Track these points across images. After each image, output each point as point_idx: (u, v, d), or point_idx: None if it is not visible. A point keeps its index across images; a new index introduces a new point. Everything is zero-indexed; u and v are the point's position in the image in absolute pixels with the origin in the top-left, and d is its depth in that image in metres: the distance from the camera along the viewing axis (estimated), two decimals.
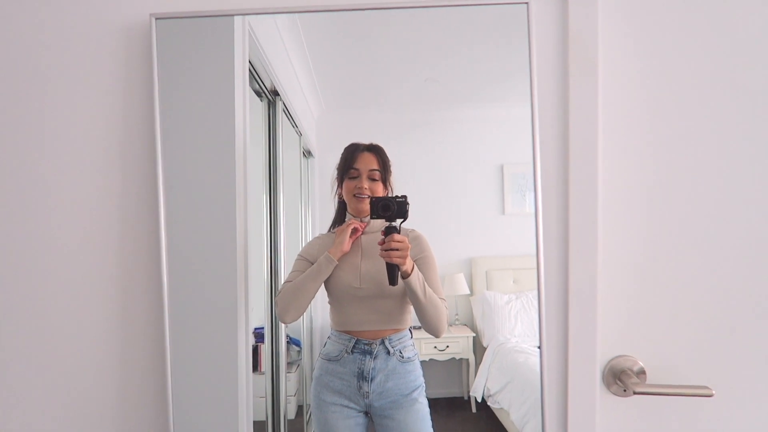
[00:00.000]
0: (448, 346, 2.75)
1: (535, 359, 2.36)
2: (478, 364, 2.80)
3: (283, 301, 1.22)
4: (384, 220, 1.15)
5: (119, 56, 0.98)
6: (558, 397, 0.85)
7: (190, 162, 1.00)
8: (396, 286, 1.15)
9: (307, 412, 2.44)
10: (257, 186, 1.76)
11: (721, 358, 0.85)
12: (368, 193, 1.23)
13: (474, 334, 2.79)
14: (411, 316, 1.25)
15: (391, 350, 1.20)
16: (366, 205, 1.23)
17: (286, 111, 1.90)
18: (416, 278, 1.15)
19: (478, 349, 2.83)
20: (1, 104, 0.96)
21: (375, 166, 1.25)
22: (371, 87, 2.73)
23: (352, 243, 1.23)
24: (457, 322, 2.93)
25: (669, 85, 0.88)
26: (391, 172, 1.28)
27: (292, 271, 1.26)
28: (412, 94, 2.79)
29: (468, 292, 2.85)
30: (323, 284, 1.22)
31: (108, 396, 0.99)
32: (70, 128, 0.97)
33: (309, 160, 2.65)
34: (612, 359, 0.84)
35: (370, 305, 1.21)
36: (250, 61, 1.26)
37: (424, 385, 1.25)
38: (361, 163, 1.25)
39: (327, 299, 1.26)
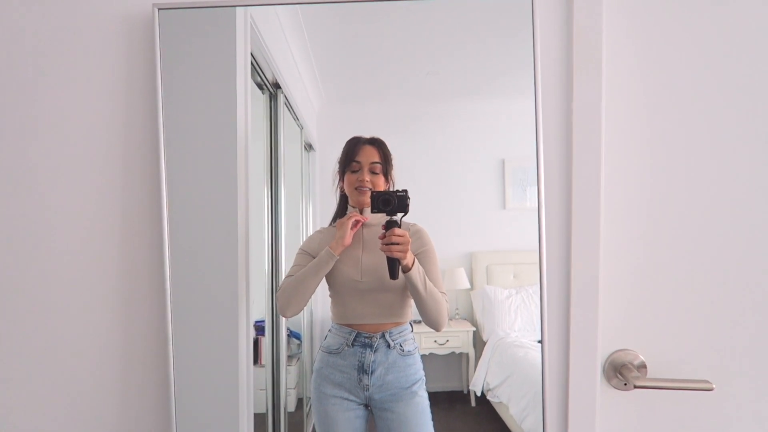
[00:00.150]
0: (448, 341, 2.76)
1: (535, 354, 2.37)
2: (477, 358, 2.80)
3: (284, 295, 1.22)
4: (385, 214, 1.14)
5: (122, 46, 0.97)
6: (558, 390, 0.85)
7: (192, 154, 1.00)
8: (397, 280, 1.15)
9: (307, 405, 2.45)
10: (258, 179, 1.76)
11: (721, 352, 0.86)
12: (369, 186, 1.23)
13: (474, 329, 2.80)
14: (411, 310, 1.25)
15: (392, 343, 1.21)
16: (367, 198, 1.23)
17: (288, 104, 1.89)
18: (417, 272, 1.15)
19: (478, 343, 2.84)
20: (1, 94, 0.96)
21: (376, 159, 1.25)
22: (373, 80, 2.72)
23: (354, 236, 1.23)
24: (457, 317, 2.93)
25: (672, 81, 0.87)
26: (392, 165, 1.28)
27: (293, 266, 1.26)
28: (414, 87, 2.78)
29: (468, 286, 2.85)
30: (324, 277, 1.22)
31: (110, 388, 0.99)
32: (71, 120, 0.97)
33: (310, 153, 2.65)
34: (613, 353, 0.84)
35: (370, 298, 1.21)
36: (252, 54, 1.26)
37: (424, 378, 1.25)
38: (362, 155, 1.25)
39: (328, 292, 1.26)
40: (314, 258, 1.24)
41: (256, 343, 1.86)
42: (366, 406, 1.23)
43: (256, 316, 1.85)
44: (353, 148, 1.26)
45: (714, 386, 0.77)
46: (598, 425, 0.82)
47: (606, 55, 0.85)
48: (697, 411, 0.86)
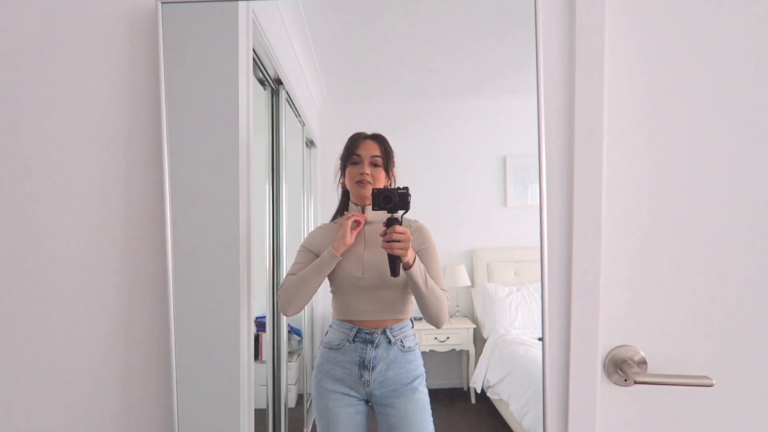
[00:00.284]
0: (448, 338, 2.76)
1: (535, 351, 2.38)
2: (478, 355, 2.81)
3: (286, 295, 1.22)
4: (386, 211, 1.14)
5: (125, 41, 0.97)
6: (559, 386, 0.85)
7: (194, 150, 1.00)
8: (398, 277, 1.15)
9: (307, 401, 2.46)
10: (260, 175, 1.76)
11: (722, 348, 0.86)
12: (370, 179, 1.23)
13: (474, 326, 2.80)
14: (413, 306, 1.25)
15: (393, 339, 1.21)
16: (368, 192, 1.23)
17: (290, 100, 1.89)
18: (418, 269, 1.15)
19: (479, 340, 2.85)
20: (3, 89, 0.96)
21: (377, 152, 1.25)
22: (374, 77, 2.72)
23: (357, 232, 1.23)
24: (457, 314, 2.94)
25: (674, 79, 0.87)
26: (394, 162, 1.28)
27: (294, 263, 1.27)
28: (415, 84, 2.78)
29: (469, 283, 2.86)
30: None
31: (112, 383, 0.99)
32: (73, 115, 0.97)
33: (311, 150, 2.65)
34: (613, 349, 0.84)
35: (372, 295, 1.21)
36: (254, 49, 1.26)
37: (424, 374, 1.25)
38: (363, 149, 1.25)
39: (329, 288, 1.26)
40: (315, 255, 1.24)
41: (257, 339, 1.86)
42: (366, 401, 1.24)
43: (257, 312, 1.85)
44: (355, 142, 1.26)
45: (714, 382, 0.77)
46: (599, 421, 0.83)
47: (608, 53, 0.85)
48: (697, 407, 0.86)
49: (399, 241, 1.11)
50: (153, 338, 0.99)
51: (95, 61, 0.97)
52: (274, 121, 1.77)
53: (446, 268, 2.80)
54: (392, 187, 1.26)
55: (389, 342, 1.21)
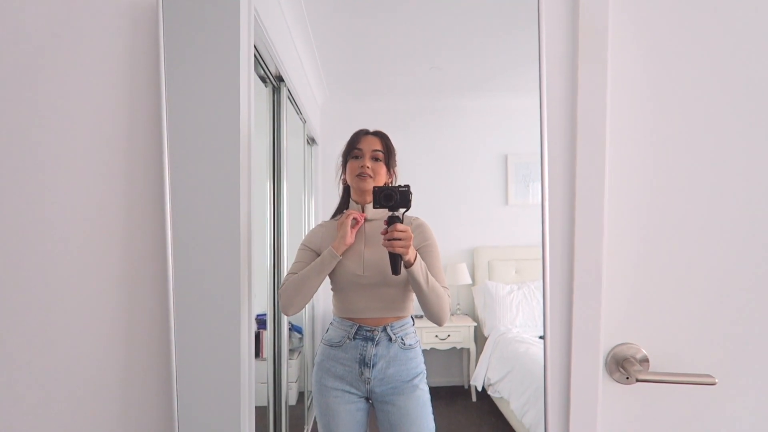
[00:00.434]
0: (449, 335, 2.78)
1: (536, 349, 2.39)
2: (479, 353, 2.82)
3: (287, 294, 1.22)
4: (387, 209, 1.14)
5: (125, 37, 0.97)
6: (560, 384, 0.85)
7: (195, 147, 1.00)
8: (399, 275, 1.15)
9: (308, 399, 2.47)
10: (261, 172, 1.76)
11: (724, 346, 0.86)
12: (370, 173, 1.23)
13: (475, 324, 2.81)
14: (413, 304, 1.25)
15: (393, 337, 1.21)
16: (369, 185, 1.22)
17: (291, 97, 1.90)
18: (419, 267, 1.15)
19: (479, 338, 2.86)
20: (1, 85, 0.96)
21: (378, 147, 1.25)
22: (376, 75, 2.72)
23: (356, 231, 1.22)
24: (458, 312, 2.95)
25: (678, 76, 0.87)
26: (395, 160, 1.28)
27: (295, 262, 1.26)
28: (417, 83, 2.78)
29: (470, 281, 2.87)
30: None
31: (112, 381, 0.99)
32: (73, 111, 0.96)
33: (313, 147, 2.65)
34: (615, 347, 0.84)
35: (373, 293, 1.21)
36: (255, 46, 1.25)
37: (425, 372, 1.25)
38: (364, 143, 1.25)
39: (329, 286, 1.26)
40: (316, 253, 1.24)
41: (258, 337, 1.87)
42: (367, 399, 1.24)
43: (257, 309, 1.86)
44: (356, 137, 1.26)
45: (717, 380, 0.77)
46: (600, 419, 0.83)
47: (611, 51, 0.85)
48: (699, 405, 0.86)
49: (400, 240, 1.10)
50: (153, 336, 0.99)
51: (95, 56, 0.97)
52: (276, 118, 1.77)
53: (447, 266, 2.81)
54: (393, 185, 1.25)
55: (390, 339, 1.21)
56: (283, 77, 1.72)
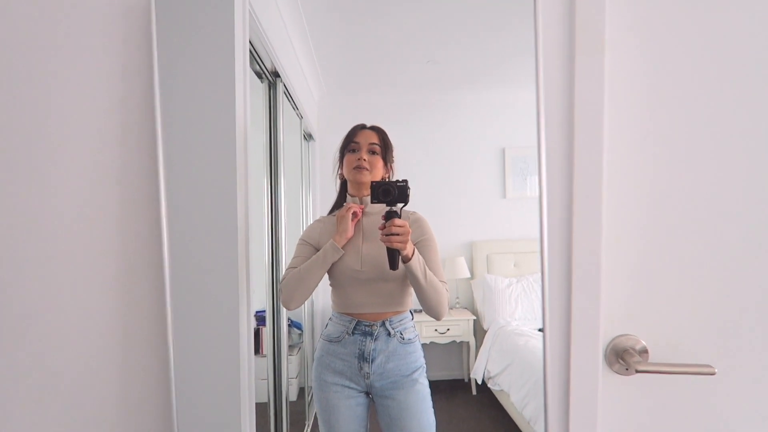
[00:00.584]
0: (448, 329, 2.80)
1: (535, 342, 2.40)
2: (478, 346, 2.84)
3: (288, 289, 1.21)
4: (385, 204, 1.14)
5: (117, 34, 0.96)
6: (560, 376, 0.85)
7: (191, 144, 0.99)
8: (397, 270, 1.14)
9: (308, 394, 2.48)
10: (258, 168, 1.76)
11: (724, 336, 0.86)
12: (367, 165, 1.22)
13: (474, 317, 2.84)
14: (412, 299, 1.25)
15: (392, 332, 1.21)
16: (365, 178, 1.22)
17: (287, 93, 1.89)
18: (417, 262, 1.14)
19: (479, 332, 2.88)
20: None
21: (375, 140, 1.24)
22: (373, 69, 2.72)
23: (354, 226, 1.22)
24: (457, 306, 2.97)
25: (676, 68, 0.87)
26: (393, 155, 1.27)
27: (294, 257, 1.26)
28: (414, 77, 2.79)
29: (469, 275, 2.89)
30: None
31: (110, 377, 0.99)
32: (66, 108, 0.96)
33: (310, 143, 2.65)
34: (614, 338, 0.84)
35: (371, 288, 1.21)
36: (250, 41, 1.25)
37: (425, 366, 1.25)
38: (361, 137, 1.24)
39: (328, 282, 1.26)
40: (315, 248, 1.24)
41: (258, 333, 1.87)
42: (367, 393, 1.24)
43: (257, 306, 1.86)
44: (353, 131, 1.26)
45: (716, 370, 0.77)
46: (600, 410, 0.83)
47: (609, 43, 0.85)
48: (699, 395, 0.86)
49: (398, 235, 1.10)
50: (151, 334, 0.99)
51: (87, 53, 0.96)
52: (272, 114, 1.77)
53: (446, 260, 2.83)
54: (391, 180, 1.25)
55: (388, 334, 1.21)
56: (279, 73, 1.72)
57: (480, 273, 2.94)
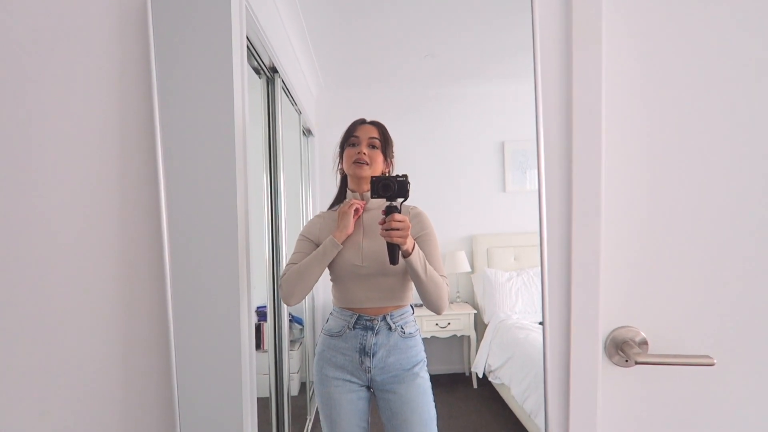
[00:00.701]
0: (449, 323, 2.80)
1: (536, 335, 2.40)
2: (479, 340, 2.84)
3: (288, 284, 1.22)
4: (385, 199, 1.14)
5: (114, 31, 0.96)
6: (560, 369, 0.85)
7: (190, 141, 0.99)
8: (397, 264, 1.14)
9: (309, 389, 2.49)
10: (257, 165, 1.76)
11: (722, 328, 0.86)
12: (367, 159, 1.22)
13: (475, 311, 2.83)
14: (412, 293, 1.25)
15: (393, 326, 1.21)
16: (365, 173, 1.23)
17: (285, 89, 1.89)
18: (417, 257, 1.15)
19: (479, 325, 2.88)
20: None
21: (375, 134, 1.24)
22: (371, 64, 2.71)
23: (355, 221, 1.22)
24: (458, 300, 2.97)
25: (673, 61, 0.87)
26: (392, 150, 1.27)
27: (294, 252, 1.26)
28: (413, 71, 2.78)
29: (469, 269, 2.89)
30: None
31: (112, 374, 1.00)
32: (63, 106, 0.96)
33: (309, 138, 2.65)
34: (614, 330, 0.84)
35: (372, 283, 1.21)
36: (248, 37, 1.24)
37: (425, 360, 1.25)
38: (361, 132, 1.25)
39: (329, 276, 1.26)
40: (315, 243, 1.24)
41: (259, 329, 1.88)
42: (368, 387, 1.24)
43: (257, 301, 1.86)
44: (354, 126, 1.26)
45: (715, 361, 0.77)
46: (600, 402, 0.83)
47: (606, 36, 0.85)
48: (698, 386, 0.87)
49: (398, 229, 1.10)
50: (153, 329, 0.99)
51: (84, 51, 0.96)
52: (270, 110, 1.77)
53: (446, 254, 2.82)
54: (391, 175, 1.25)
55: (389, 328, 1.21)
56: (277, 68, 1.71)
57: (480, 267, 2.94)
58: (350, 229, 1.18)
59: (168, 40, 0.94)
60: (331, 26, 2.21)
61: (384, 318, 1.19)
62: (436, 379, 1.26)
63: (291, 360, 1.99)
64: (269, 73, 1.70)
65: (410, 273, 1.14)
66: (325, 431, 1.23)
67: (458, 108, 3.15)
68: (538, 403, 2.08)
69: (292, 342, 2.12)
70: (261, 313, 1.79)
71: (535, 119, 0.86)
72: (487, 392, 2.72)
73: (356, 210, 1.20)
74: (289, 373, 1.88)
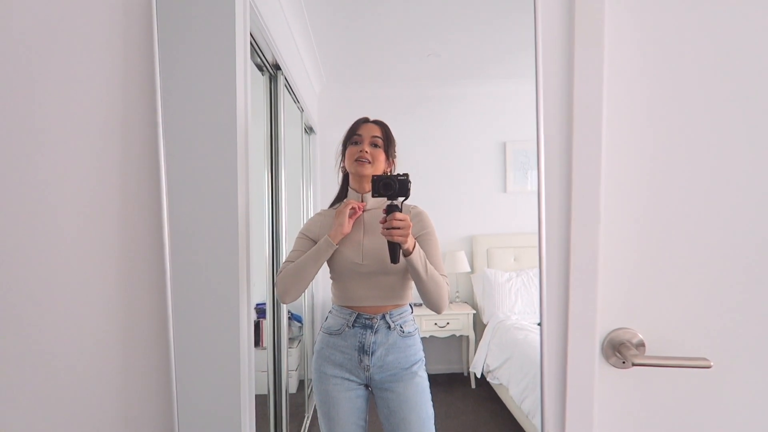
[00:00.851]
0: (448, 323, 2.80)
1: (535, 336, 2.40)
2: (478, 340, 2.85)
3: (283, 282, 1.22)
4: (386, 198, 1.14)
5: (118, 27, 0.96)
6: (557, 369, 0.86)
7: (192, 137, 0.99)
8: (398, 263, 1.15)
9: (308, 387, 2.49)
10: (259, 162, 1.76)
11: (720, 330, 0.86)
12: (369, 157, 1.23)
13: (474, 311, 2.84)
14: (412, 292, 1.25)
15: (392, 325, 1.21)
16: (367, 171, 1.23)
17: (288, 85, 1.89)
18: (417, 256, 1.15)
19: (479, 325, 2.88)
20: None
21: (377, 133, 1.24)
22: (374, 62, 2.72)
23: (354, 220, 1.23)
24: (457, 299, 2.97)
25: (675, 62, 0.87)
26: (395, 149, 1.28)
27: (292, 250, 1.26)
28: (415, 70, 2.78)
29: (469, 269, 2.89)
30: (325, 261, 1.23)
31: (111, 371, 1.00)
32: (65, 104, 0.96)
33: (311, 136, 2.65)
34: (611, 332, 0.85)
35: (372, 281, 1.21)
36: (251, 34, 1.24)
37: (424, 359, 1.26)
38: (364, 130, 1.25)
39: (329, 275, 1.26)
40: (314, 241, 1.24)
41: (258, 326, 1.88)
42: (366, 386, 1.24)
43: (257, 298, 1.87)
44: (356, 124, 1.26)
45: (712, 364, 0.78)
46: (597, 403, 0.83)
47: (608, 37, 0.85)
48: (695, 388, 0.87)
49: (399, 228, 1.10)
50: (152, 326, 0.99)
51: (87, 47, 0.96)
52: (273, 107, 1.77)
53: (446, 254, 2.82)
54: (392, 174, 1.25)
55: (388, 327, 1.21)
56: (280, 65, 1.71)
57: (480, 267, 2.94)
58: (346, 228, 1.18)
59: (171, 36, 0.94)
60: (334, 24, 2.21)
61: (383, 317, 1.19)
62: (434, 379, 1.26)
63: (290, 357, 1.99)
64: (272, 70, 1.70)
65: (411, 272, 1.14)
66: (323, 429, 1.23)
67: (460, 107, 3.15)
68: (535, 403, 2.08)
69: (291, 339, 2.12)
70: (260, 310, 1.79)
71: (536, 120, 0.86)
72: (485, 392, 2.72)
73: (354, 210, 1.20)
74: (288, 370, 1.88)
